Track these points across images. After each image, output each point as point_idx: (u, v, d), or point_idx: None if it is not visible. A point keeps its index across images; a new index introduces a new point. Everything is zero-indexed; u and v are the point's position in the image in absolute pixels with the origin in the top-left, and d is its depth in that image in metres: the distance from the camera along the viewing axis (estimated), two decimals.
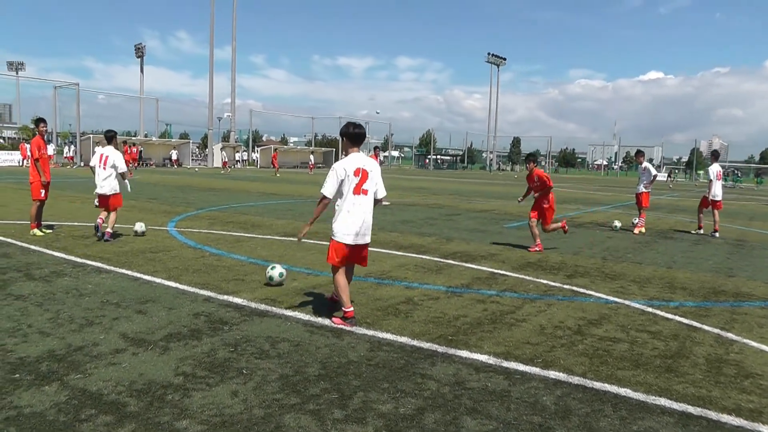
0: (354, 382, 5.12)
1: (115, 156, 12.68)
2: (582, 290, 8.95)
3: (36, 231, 12.42)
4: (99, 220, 12.22)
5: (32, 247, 11.02)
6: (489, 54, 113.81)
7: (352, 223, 6.70)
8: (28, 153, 13.62)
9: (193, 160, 67.85)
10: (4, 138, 75.90)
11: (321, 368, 5.41)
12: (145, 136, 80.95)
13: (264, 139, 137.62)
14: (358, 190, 6.67)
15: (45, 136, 12.82)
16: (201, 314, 6.97)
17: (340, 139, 7.02)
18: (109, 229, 12.05)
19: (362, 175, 6.68)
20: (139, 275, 8.92)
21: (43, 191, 12.62)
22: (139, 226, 12.92)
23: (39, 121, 12.81)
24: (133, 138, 72.04)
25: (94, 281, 8.50)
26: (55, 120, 64.77)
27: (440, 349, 6.03)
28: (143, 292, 7.92)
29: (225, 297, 7.77)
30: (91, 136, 60.74)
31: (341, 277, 6.86)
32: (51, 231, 12.75)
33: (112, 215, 12.42)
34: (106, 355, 5.57)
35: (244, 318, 6.89)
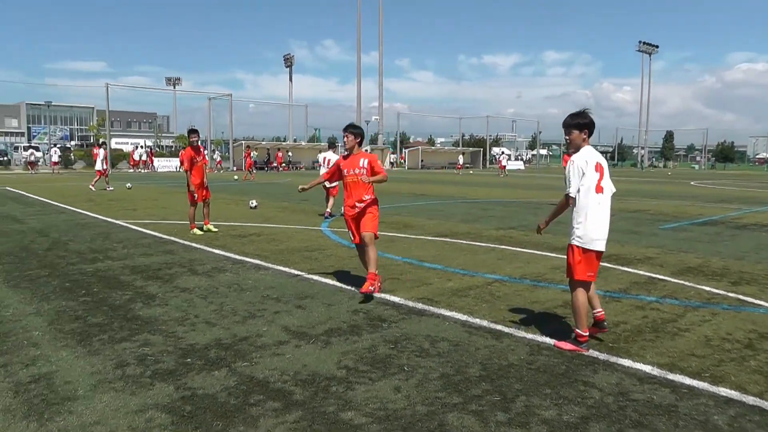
0: (515, 386, 5.02)
1: (334, 158, 16.17)
2: (750, 299, 8.31)
3: (195, 230, 13.20)
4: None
5: (194, 244, 11.68)
6: (640, 42, 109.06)
7: (601, 225, 6.14)
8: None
9: None
10: (162, 147, 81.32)
11: (482, 369, 5.36)
12: (294, 141, 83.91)
13: (411, 140, 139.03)
14: (600, 187, 6.06)
15: (195, 145, 13.41)
16: (359, 311, 7.12)
17: (567, 132, 6.23)
18: (328, 210, 16.96)
19: (600, 170, 6.10)
20: (296, 272, 9.26)
21: (195, 195, 13.33)
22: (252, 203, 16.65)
23: (191, 132, 13.48)
24: (283, 143, 74.83)
25: (254, 277, 8.90)
26: (209, 128, 68.69)
27: (601, 356, 5.80)
28: (301, 289, 8.20)
29: (382, 295, 7.89)
30: (242, 142, 63.84)
31: (583, 295, 6.08)
32: (216, 231, 13.44)
33: (331, 200, 17.20)
34: (270, 346, 5.80)
35: (402, 316, 6.95)
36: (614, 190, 6.26)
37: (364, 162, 8.13)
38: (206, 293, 7.88)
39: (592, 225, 6.07)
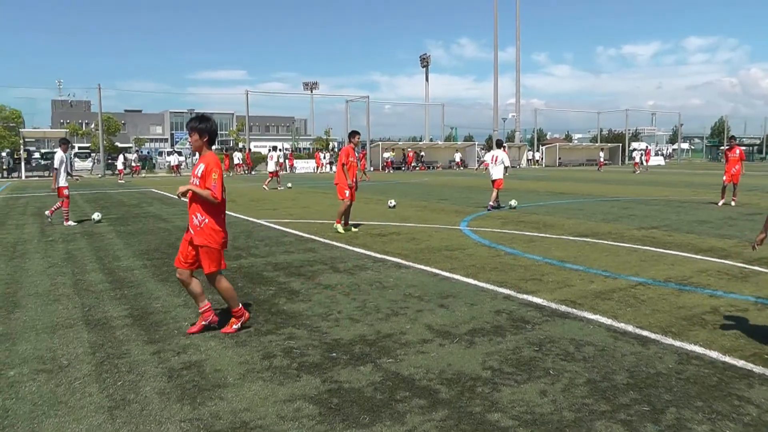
0: (665, 396, 4.83)
1: (503, 156, 19.30)
2: None
3: (338, 226, 13.51)
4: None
5: (334, 243, 12.00)
6: None
7: None
8: (323, 160, 14.93)
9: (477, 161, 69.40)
10: (300, 149, 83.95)
11: (629, 377, 5.19)
12: (431, 140, 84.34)
13: (548, 137, 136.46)
14: None
15: (356, 147, 13.95)
16: (502, 312, 7.08)
17: None
18: (491, 203, 18.84)
19: None
20: (437, 271, 9.32)
21: (347, 192, 13.65)
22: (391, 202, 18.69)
23: (353, 133, 14.22)
24: (419, 143, 75.33)
25: (395, 275, 9.04)
26: (347, 130, 70.05)
27: (756, 369, 5.43)
28: (443, 288, 8.25)
29: (524, 296, 7.82)
30: (379, 143, 64.74)
31: None
32: (356, 230, 13.73)
33: (495, 193, 19.06)
34: (414, 344, 5.88)
35: (545, 318, 6.87)
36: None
37: (199, 169, 6.35)
38: (349, 290, 8.10)
39: None
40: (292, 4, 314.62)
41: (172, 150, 73.73)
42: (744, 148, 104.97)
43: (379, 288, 8.22)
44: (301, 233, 13.46)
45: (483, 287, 8.29)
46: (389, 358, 5.52)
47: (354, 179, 13.69)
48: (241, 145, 68.85)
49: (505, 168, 19.33)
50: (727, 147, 21.87)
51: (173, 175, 52.17)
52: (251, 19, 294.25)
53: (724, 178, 20.76)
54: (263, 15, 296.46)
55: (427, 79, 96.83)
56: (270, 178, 30.98)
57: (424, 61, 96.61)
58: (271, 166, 31.62)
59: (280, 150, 63.08)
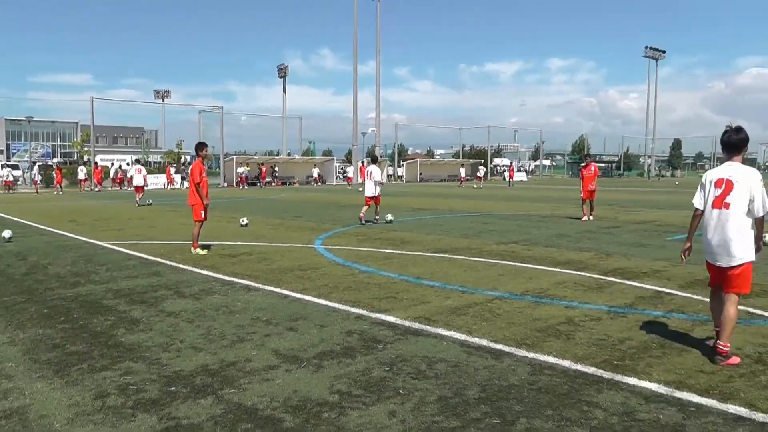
0: (516, 407, 5.00)
1: (376, 171, 20.48)
2: (761, 312, 8.29)
3: (198, 250, 13.22)
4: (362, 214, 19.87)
5: (181, 266, 11.66)
6: (646, 48, 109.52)
7: (708, 240, 6.45)
8: (174, 176, 14.61)
9: (337, 177, 69.75)
10: (151, 162, 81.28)
11: (481, 391, 5.34)
12: (288, 154, 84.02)
13: (410, 152, 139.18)
14: (719, 203, 6.29)
15: (205, 160, 13.72)
16: (354, 332, 7.10)
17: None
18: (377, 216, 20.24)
19: (726, 186, 6.26)
20: (288, 293, 9.23)
21: (203, 212, 13.39)
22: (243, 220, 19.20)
23: (201, 145, 13.82)
24: (276, 157, 74.92)
25: (244, 298, 8.89)
26: None
27: (606, 374, 5.78)
28: (293, 310, 8.18)
29: (377, 315, 7.87)
30: (234, 157, 63.84)
31: (711, 301, 6.70)
32: (207, 251, 13.43)
33: (366, 208, 20.05)
34: (260, 371, 5.78)
35: (398, 337, 6.94)
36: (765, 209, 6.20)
37: None
38: (193, 316, 7.86)
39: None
40: (142, 4, 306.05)
41: (6, 163, 69.00)
42: (603, 165, 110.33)
43: (225, 313, 8.03)
44: (146, 256, 12.99)
45: (335, 307, 8.29)
46: (232, 388, 5.38)
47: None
48: (86, 158, 65.82)
49: (376, 183, 20.07)
50: (582, 165, 22.98)
51: (5, 192, 48.94)
52: (98, 18, 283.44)
53: (582, 194, 21.79)
54: (111, 14, 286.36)
55: (284, 90, 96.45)
56: (141, 195, 30.75)
57: (282, 72, 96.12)
58: (138, 180, 31.56)
59: (129, 164, 61.00)
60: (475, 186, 57.01)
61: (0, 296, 9.30)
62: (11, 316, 8.08)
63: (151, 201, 31.37)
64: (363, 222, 19.79)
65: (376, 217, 20.53)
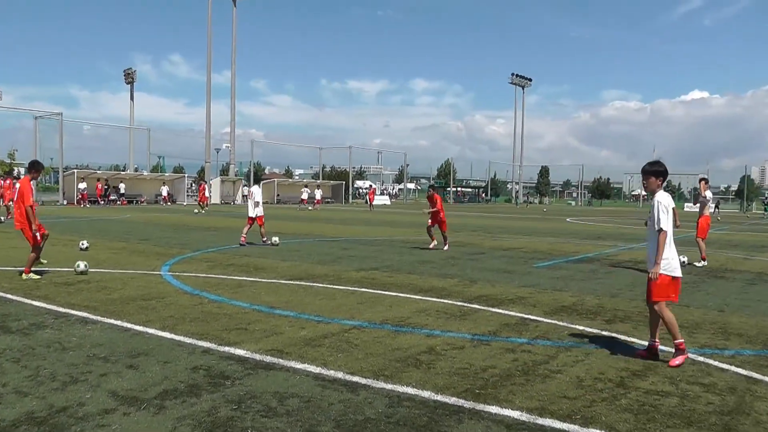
0: None
1: (257, 192, 21.72)
2: (623, 337, 8.87)
3: (31, 275, 12.84)
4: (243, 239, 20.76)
5: (8, 296, 11.06)
6: (513, 75, 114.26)
7: (675, 256, 7.73)
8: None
9: (188, 195, 68.29)
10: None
11: (335, 426, 5.37)
12: (135, 170, 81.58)
13: (267, 171, 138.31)
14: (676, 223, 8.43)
15: (34, 180, 13.35)
16: (200, 368, 6.96)
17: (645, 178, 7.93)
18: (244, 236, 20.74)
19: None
20: (129, 325, 8.94)
21: (38, 235, 13.03)
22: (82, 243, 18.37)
23: (36, 164, 13.74)
24: (122, 173, 72.61)
25: (79, 333, 8.52)
26: (36, 153, 65.33)
27: (467, 404, 5.97)
28: (134, 345, 7.92)
29: (226, 348, 7.77)
30: (75, 171, 61.29)
31: (668, 311, 7.65)
32: (41, 278, 12.86)
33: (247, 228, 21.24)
34: (94, 416, 5.55)
35: (247, 371, 6.87)
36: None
37: None
38: (20, 355, 7.43)
39: (673, 256, 7.68)
40: None
41: None
42: (469, 190, 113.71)
43: (58, 350, 7.65)
44: None
45: (180, 341, 8.10)
46: None
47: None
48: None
49: (256, 203, 21.29)
50: (427, 195, 23.41)
51: None
52: None
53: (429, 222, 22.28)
54: None
55: (132, 98, 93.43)
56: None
57: (129, 77, 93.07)
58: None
59: None
60: (310, 208, 57.15)
61: None
62: None
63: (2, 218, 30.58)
64: (244, 244, 20.56)
65: (263, 239, 21.41)
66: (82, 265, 13.78)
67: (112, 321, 9.23)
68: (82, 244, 18.52)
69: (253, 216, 21.30)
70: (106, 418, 5.51)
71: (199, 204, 49.12)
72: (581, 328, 9.36)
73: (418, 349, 7.89)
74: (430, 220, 21.27)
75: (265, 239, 21.46)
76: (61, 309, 10.03)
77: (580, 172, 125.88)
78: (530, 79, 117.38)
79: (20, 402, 5.93)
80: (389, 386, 6.45)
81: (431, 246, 20.93)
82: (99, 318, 9.42)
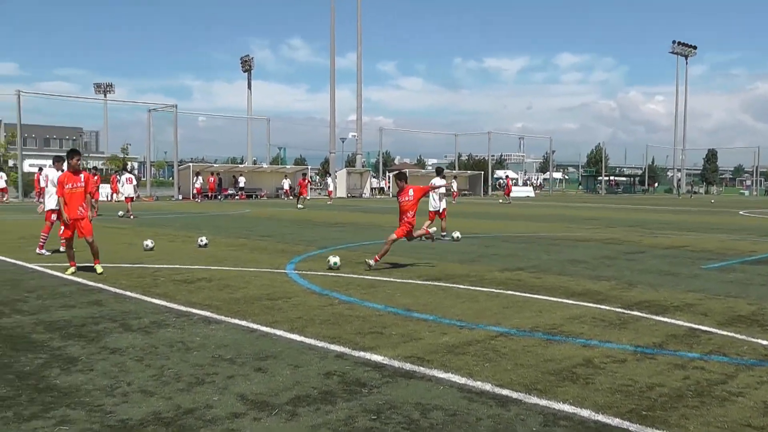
0: None
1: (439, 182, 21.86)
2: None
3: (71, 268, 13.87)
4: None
5: (127, 293, 11.61)
6: (674, 42, 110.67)
7: None
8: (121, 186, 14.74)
9: (312, 189, 69.74)
10: (89, 169, 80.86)
11: None
12: (254, 162, 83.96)
13: (396, 162, 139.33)
14: None
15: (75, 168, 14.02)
16: (333, 374, 7.08)
17: None
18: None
19: None
20: (255, 326, 9.22)
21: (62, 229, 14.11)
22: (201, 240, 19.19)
23: (74, 153, 14.20)
24: (240, 166, 74.80)
25: (203, 333, 8.86)
26: (149, 147, 68.48)
27: (633, 427, 5.76)
28: (261, 347, 8.15)
29: (361, 354, 7.86)
30: (190, 164, 63.62)
31: None
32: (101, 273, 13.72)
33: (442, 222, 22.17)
34: (222, 420, 5.74)
35: (385, 379, 6.92)
36: None
37: None
38: (143, 354, 7.81)
39: None
40: None
41: None
42: (623, 179, 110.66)
43: (181, 350, 7.99)
44: (85, 281, 12.92)
45: (311, 344, 8.26)
46: None
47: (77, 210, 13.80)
48: (12, 162, 65.25)
49: (440, 196, 22.22)
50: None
51: None
52: None
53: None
54: None
55: (249, 87, 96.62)
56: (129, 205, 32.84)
57: (246, 65, 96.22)
58: (129, 190, 33.84)
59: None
60: (329, 202, 56.48)
61: None
62: None
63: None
64: (424, 239, 20.39)
65: (443, 233, 21.88)
66: (149, 242, 15.96)
67: (236, 321, 9.55)
68: (201, 241, 19.19)
69: (438, 209, 21.98)
70: (235, 423, 5.68)
71: (298, 197, 48.24)
72: (765, 342, 8.87)
73: (574, 361, 7.72)
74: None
75: (444, 233, 21.91)
76: (182, 307, 10.46)
77: (756, 155, 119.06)
78: (694, 47, 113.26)
79: (146, 401, 6.23)
80: (543, 402, 6.32)
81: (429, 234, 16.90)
82: (222, 318, 9.76)
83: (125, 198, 34.30)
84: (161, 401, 6.22)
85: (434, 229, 17.87)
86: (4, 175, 52.54)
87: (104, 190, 56.23)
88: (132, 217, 31.96)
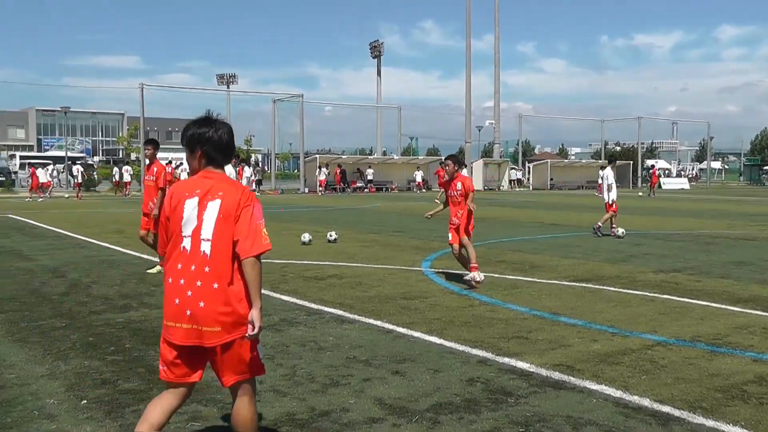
0: None
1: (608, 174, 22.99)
2: None
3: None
4: None
5: None
6: None
7: None
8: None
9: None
10: (170, 162, 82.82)
11: None
12: (384, 153, 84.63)
13: (537, 151, 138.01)
14: None
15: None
16: (476, 380, 7.07)
17: None
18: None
19: None
20: (391, 327, 9.32)
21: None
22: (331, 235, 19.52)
23: (146, 142, 14.63)
24: (369, 157, 75.50)
25: (335, 332, 9.02)
26: (274, 139, 69.92)
27: None
28: (398, 349, 8.23)
29: (505, 360, 7.82)
30: (317, 156, 64.64)
31: None
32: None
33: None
34: (360, 424, 5.82)
35: (533, 389, 6.86)
36: None
37: None
38: (273, 353, 8.01)
39: None
40: None
41: (38, 161, 70.66)
42: None
43: (313, 350, 8.16)
44: None
45: (451, 348, 8.28)
46: None
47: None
48: (133, 156, 67.72)
49: (609, 186, 22.53)
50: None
51: (35, 197, 50.51)
52: None
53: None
54: None
55: (379, 74, 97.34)
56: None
57: (376, 51, 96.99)
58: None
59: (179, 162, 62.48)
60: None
61: (35, 320, 9.70)
62: (50, 343, 8.43)
63: None
64: (599, 234, 21.76)
65: (613, 227, 22.16)
66: (334, 234, 16.97)
67: (370, 321, 9.67)
68: (330, 236, 19.43)
69: (610, 201, 22.17)
70: (373, 428, 5.75)
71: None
72: None
73: (744, 377, 7.41)
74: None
75: (615, 227, 22.06)
76: (312, 305, 10.67)
77: None
78: None
79: (279, 401, 6.40)
80: (710, 423, 6.10)
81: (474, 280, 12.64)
82: (355, 317, 9.91)
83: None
84: (294, 402, 6.37)
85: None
86: (129, 168, 54.47)
87: None
88: None
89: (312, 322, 9.61)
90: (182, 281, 4.42)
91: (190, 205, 4.48)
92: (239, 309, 4.38)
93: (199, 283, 4.37)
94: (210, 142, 4.66)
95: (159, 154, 14.30)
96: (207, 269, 4.39)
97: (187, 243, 4.46)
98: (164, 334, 4.51)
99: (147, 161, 14.70)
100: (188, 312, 4.37)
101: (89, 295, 11.51)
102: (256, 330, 4.33)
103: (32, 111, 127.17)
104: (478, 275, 12.31)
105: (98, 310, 10.31)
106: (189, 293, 4.38)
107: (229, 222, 4.40)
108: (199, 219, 4.45)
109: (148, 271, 13.83)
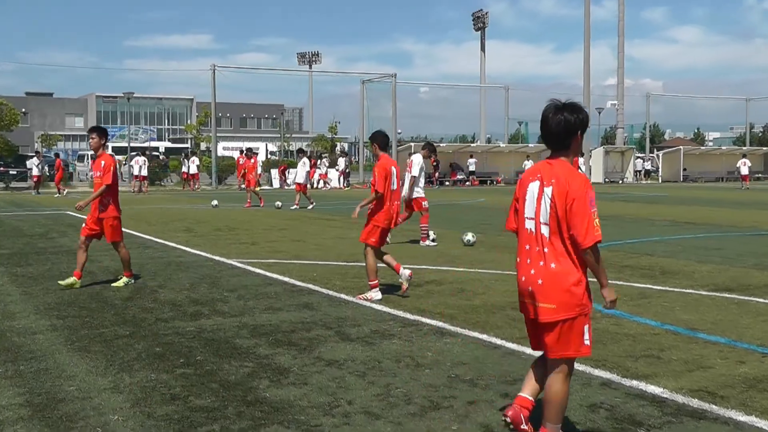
0: None
1: None
2: None
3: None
4: None
5: (342, 296, 12.00)
6: None
7: None
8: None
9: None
10: (250, 150, 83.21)
11: None
12: (488, 140, 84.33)
13: (667, 137, 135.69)
14: None
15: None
16: (600, 406, 6.99)
17: None
18: None
19: None
20: (499, 342, 9.28)
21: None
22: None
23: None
24: (471, 145, 75.21)
25: (435, 347, 9.01)
26: (362, 125, 70.02)
27: None
28: (508, 367, 8.18)
29: (634, 383, 7.71)
30: (411, 143, 64.48)
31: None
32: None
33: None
34: None
35: (667, 418, 6.74)
36: None
37: None
38: (364, 369, 8.05)
39: None
40: None
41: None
42: None
43: (410, 366, 8.17)
44: (293, 281, 13.46)
45: None
46: None
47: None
48: (204, 146, 68.65)
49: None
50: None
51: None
52: None
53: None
54: None
55: (483, 49, 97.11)
56: (298, 193, 34.68)
57: (479, 22, 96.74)
58: (302, 176, 35.08)
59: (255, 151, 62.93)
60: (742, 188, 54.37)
61: (96, 327, 9.93)
62: (113, 353, 8.63)
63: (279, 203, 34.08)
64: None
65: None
66: (470, 235, 17.65)
67: (475, 334, 9.63)
68: (466, 237, 19.25)
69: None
70: None
71: None
72: None
73: None
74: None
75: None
76: (408, 315, 10.69)
77: None
78: None
79: (371, 425, 6.42)
80: None
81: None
82: (458, 329, 9.89)
83: (296, 185, 35.73)
84: (389, 426, 6.37)
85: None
86: (196, 159, 54.97)
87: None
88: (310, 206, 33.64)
89: (408, 334, 9.62)
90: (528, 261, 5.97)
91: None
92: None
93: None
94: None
95: (230, 144, 14.44)
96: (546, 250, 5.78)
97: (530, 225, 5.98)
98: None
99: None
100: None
101: (156, 300, 11.75)
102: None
103: (92, 97, 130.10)
104: None
105: (166, 318, 10.52)
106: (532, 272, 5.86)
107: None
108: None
109: (114, 285, 13.40)
